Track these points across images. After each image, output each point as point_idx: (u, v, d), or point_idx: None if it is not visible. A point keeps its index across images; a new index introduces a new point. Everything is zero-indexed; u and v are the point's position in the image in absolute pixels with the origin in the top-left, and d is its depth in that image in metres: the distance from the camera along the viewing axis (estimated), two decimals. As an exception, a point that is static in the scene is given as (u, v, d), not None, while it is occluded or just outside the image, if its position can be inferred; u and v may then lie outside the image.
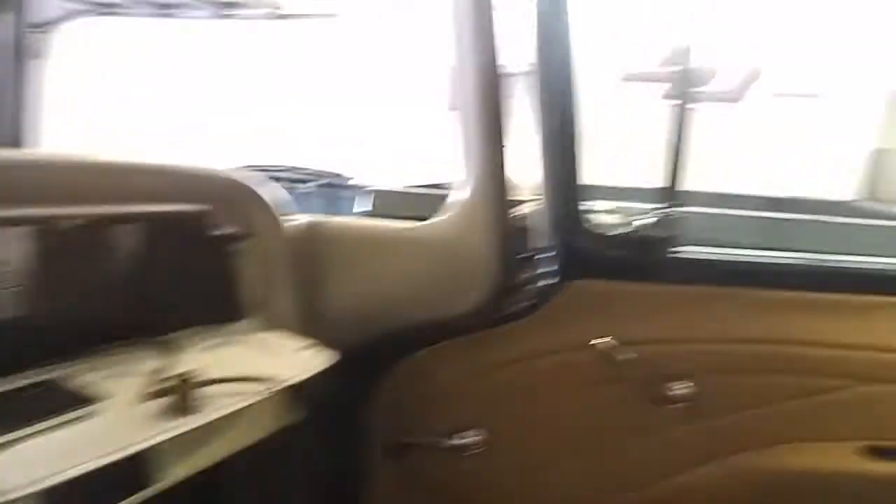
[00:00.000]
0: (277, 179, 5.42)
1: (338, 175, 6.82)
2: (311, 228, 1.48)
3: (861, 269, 1.57)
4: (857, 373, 1.53)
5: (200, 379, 1.01)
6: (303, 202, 6.30)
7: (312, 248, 1.47)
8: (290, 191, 5.47)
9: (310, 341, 1.28)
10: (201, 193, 1.31)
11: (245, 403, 1.02)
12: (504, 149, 1.41)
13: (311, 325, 1.43)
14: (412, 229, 1.48)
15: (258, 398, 1.03)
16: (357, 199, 3.50)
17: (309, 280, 1.46)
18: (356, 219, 1.55)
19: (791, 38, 5.94)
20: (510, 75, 1.40)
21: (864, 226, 3.39)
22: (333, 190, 6.34)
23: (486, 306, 1.47)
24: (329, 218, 1.49)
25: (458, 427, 1.55)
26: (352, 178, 6.84)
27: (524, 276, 1.54)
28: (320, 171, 6.46)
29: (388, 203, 3.22)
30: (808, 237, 2.68)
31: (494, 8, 1.35)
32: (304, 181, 6.31)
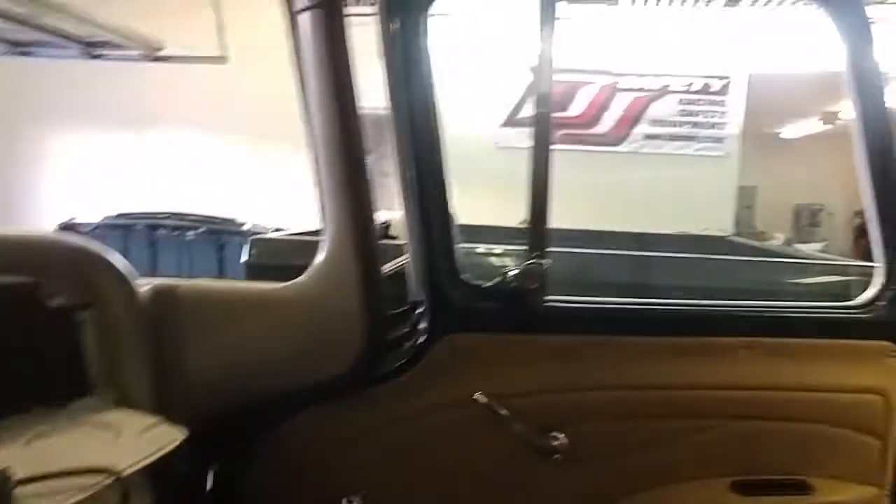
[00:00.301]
0: (157, 227, 5.18)
1: (230, 220, 6.60)
2: (165, 293, 1.37)
3: (724, 312, 1.61)
4: (728, 411, 1.56)
5: (19, 476, 0.89)
6: (190, 249, 6.05)
7: (167, 315, 1.36)
8: (176, 238, 5.23)
9: (157, 418, 1.18)
10: (37, 263, 1.20)
11: (72, 501, 0.91)
12: (368, 198, 1.35)
13: (168, 399, 1.33)
14: (274, 290, 1.40)
15: (86, 493, 0.93)
16: (246, 245, 3.37)
17: (164, 350, 1.35)
18: (214, 281, 1.45)
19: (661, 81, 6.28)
20: (370, 117, 1.34)
21: (736, 260, 3.58)
22: (223, 236, 6.13)
23: (359, 367, 1.41)
24: (183, 281, 1.38)
25: (339, 494, 1.47)
26: (245, 224, 6.63)
27: (398, 332, 1.50)
28: (208, 217, 6.24)
29: (267, 251, 3.12)
30: (685, 272, 2.79)
31: (349, 47, 1.29)
32: (189, 228, 6.07)
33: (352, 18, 1.29)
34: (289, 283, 1.38)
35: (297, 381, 1.42)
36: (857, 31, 1.53)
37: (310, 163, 1.40)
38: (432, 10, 1.38)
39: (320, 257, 1.37)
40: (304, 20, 1.27)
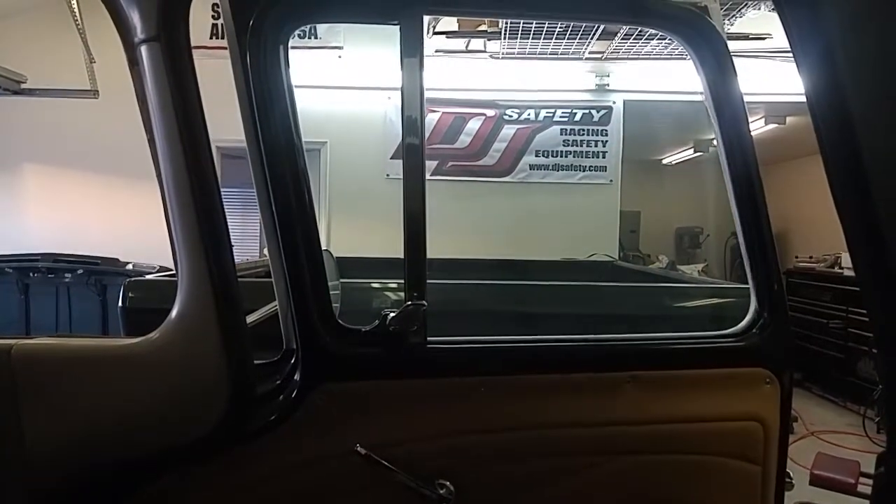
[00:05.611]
0: (30, 271, 4.75)
1: (112, 260, 6.19)
2: None
3: (610, 346, 1.60)
4: (615, 447, 1.54)
5: None
6: (68, 294, 5.59)
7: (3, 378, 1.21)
8: (52, 281, 4.82)
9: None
10: None
11: None
12: (223, 239, 1.25)
13: (3, 474, 1.18)
14: (126, 346, 1.27)
15: None
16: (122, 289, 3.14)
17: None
18: (57, 338, 1.30)
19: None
20: (226, 152, 1.25)
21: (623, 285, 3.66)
22: (105, 278, 5.73)
23: (225, 424, 1.29)
24: (18, 340, 1.23)
25: None
26: (128, 264, 6.24)
27: (270, 384, 1.39)
28: (86, 258, 5.83)
29: (146, 294, 2.93)
30: (569, 298, 2.81)
31: (194, 80, 1.20)
32: (66, 270, 5.65)
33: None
34: (142, 337, 1.26)
35: (156, 443, 1.29)
36: (719, 64, 1.56)
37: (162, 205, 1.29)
38: (291, 42, 1.32)
39: (176, 306, 1.25)
40: (144, 54, 1.17)
